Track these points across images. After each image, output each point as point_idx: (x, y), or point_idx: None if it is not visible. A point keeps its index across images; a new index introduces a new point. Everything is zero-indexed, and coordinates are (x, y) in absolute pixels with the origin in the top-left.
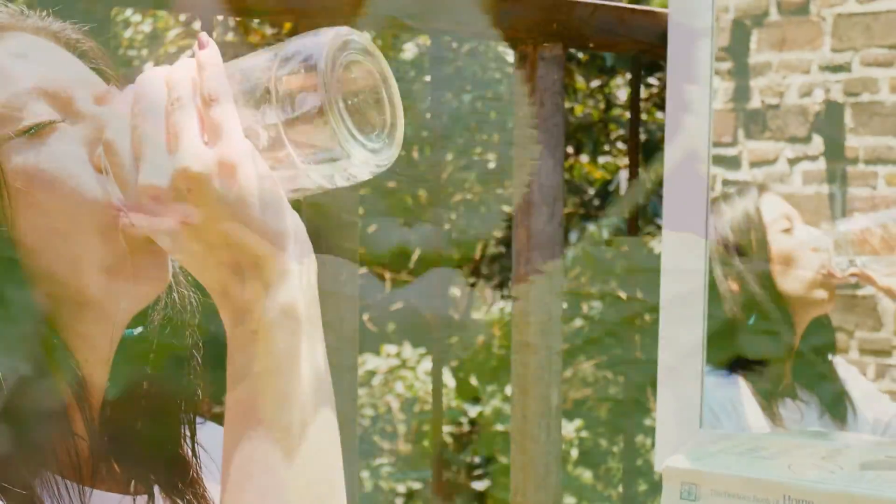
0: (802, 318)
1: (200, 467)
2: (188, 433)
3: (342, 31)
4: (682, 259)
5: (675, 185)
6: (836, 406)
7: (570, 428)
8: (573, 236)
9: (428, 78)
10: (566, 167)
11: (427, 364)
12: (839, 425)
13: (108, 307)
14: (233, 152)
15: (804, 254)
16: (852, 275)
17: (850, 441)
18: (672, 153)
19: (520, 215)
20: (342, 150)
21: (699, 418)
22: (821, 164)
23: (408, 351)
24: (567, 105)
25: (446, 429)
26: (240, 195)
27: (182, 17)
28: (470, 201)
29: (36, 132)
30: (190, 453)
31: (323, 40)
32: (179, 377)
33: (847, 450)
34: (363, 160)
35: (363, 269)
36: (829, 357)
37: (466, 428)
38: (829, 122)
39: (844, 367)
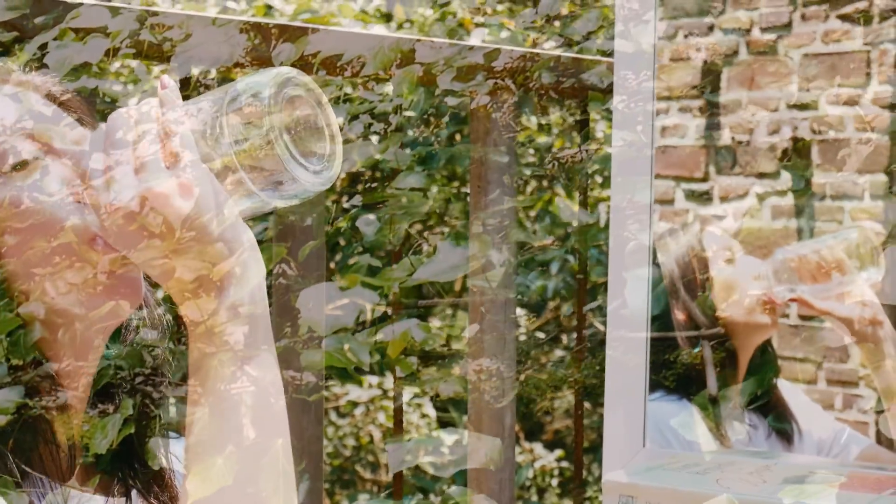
0: (747, 343)
1: (174, 474)
2: (161, 444)
3: (283, 70)
4: (627, 286)
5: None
6: (782, 427)
7: (550, 458)
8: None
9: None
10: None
11: (409, 395)
12: (785, 446)
13: (86, 324)
14: (190, 175)
15: (745, 282)
16: (791, 300)
17: (788, 460)
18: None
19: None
20: (288, 172)
21: (643, 438)
22: (789, 200)
23: (389, 381)
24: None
25: (427, 458)
26: (197, 211)
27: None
28: (451, 232)
29: (20, 168)
30: (164, 462)
31: (266, 78)
32: (152, 392)
33: (776, 467)
34: (307, 181)
35: (345, 300)
36: (774, 381)
37: (448, 457)
38: (797, 158)
39: (790, 389)
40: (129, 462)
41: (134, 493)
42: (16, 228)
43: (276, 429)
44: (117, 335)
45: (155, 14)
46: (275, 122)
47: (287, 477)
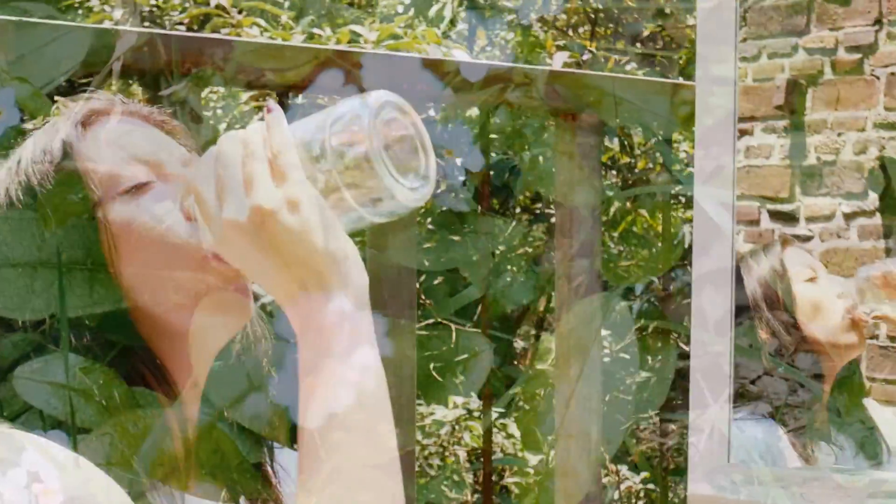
0: (833, 363)
1: (280, 484)
2: (268, 455)
3: (381, 94)
4: (712, 303)
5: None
6: (870, 447)
7: (636, 480)
8: (638, 288)
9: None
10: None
11: (494, 415)
12: (873, 465)
13: (198, 338)
14: (296, 191)
15: (830, 301)
16: (876, 318)
17: (874, 476)
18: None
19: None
20: (387, 190)
21: (727, 454)
22: (876, 220)
23: (475, 401)
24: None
25: (511, 479)
26: (303, 224)
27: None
28: (533, 253)
29: (134, 191)
30: (271, 471)
31: (366, 101)
32: (258, 404)
33: (861, 483)
34: (404, 198)
35: (429, 320)
36: (862, 400)
37: (532, 479)
38: (884, 178)
39: (878, 409)
40: (239, 471)
41: (242, 499)
42: (131, 247)
43: (384, 430)
44: (225, 349)
45: (251, 44)
46: (374, 142)
47: (397, 482)
